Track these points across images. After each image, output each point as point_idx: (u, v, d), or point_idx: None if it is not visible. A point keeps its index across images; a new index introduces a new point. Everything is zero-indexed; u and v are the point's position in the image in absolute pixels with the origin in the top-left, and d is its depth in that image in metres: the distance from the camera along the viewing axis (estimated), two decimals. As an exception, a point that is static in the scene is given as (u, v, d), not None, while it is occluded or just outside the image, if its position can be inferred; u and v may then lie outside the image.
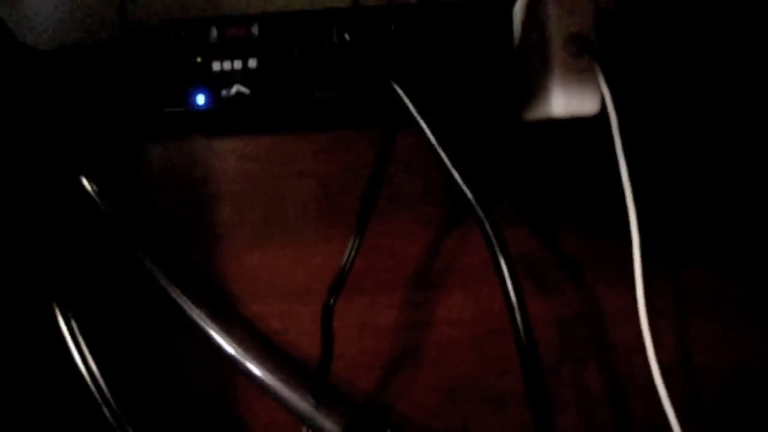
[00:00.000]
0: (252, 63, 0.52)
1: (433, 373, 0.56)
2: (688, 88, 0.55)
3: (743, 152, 0.55)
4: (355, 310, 0.55)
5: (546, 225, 0.56)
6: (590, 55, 0.46)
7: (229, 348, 0.53)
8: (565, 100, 0.47)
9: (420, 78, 0.51)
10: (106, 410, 0.52)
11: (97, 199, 0.53)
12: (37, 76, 0.55)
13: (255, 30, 0.52)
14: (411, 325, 0.56)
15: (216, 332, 0.53)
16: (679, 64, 0.55)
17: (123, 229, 0.54)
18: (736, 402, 0.55)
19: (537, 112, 0.50)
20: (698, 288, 0.55)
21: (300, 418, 0.53)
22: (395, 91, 0.48)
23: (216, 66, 0.52)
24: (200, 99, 0.52)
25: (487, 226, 0.45)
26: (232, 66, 0.52)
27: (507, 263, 0.45)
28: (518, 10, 0.52)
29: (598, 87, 0.46)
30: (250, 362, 0.53)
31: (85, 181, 0.53)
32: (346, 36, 0.51)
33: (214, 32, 0.53)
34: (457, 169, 0.46)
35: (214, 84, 0.52)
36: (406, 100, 0.47)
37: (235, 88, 0.52)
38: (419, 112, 0.47)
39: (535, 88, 0.50)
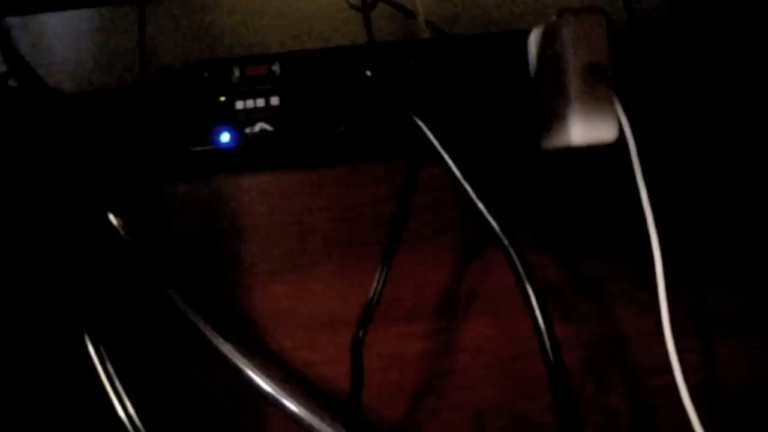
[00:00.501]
0: (274, 101, 0.53)
1: (460, 399, 0.56)
2: (705, 111, 0.56)
3: (762, 171, 0.56)
4: (381, 339, 0.55)
5: (568, 251, 0.56)
6: (607, 84, 0.47)
7: (260, 381, 0.53)
8: (584, 129, 0.48)
9: (440, 111, 0.52)
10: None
11: (125, 235, 0.54)
12: (65, 119, 0.56)
13: (276, 68, 0.54)
14: (437, 353, 0.56)
15: (246, 366, 0.54)
16: (695, 89, 0.56)
17: (150, 264, 0.55)
18: (765, 421, 0.55)
19: (555, 141, 0.51)
20: (722, 308, 0.55)
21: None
22: (417, 124, 0.49)
23: (239, 105, 0.53)
24: (225, 137, 0.53)
25: (513, 254, 0.46)
26: (255, 104, 0.53)
27: (534, 290, 0.45)
28: (533, 41, 0.53)
29: (616, 114, 0.47)
30: (281, 395, 0.53)
31: (112, 218, 0.55)
32: (367, 72, 0.53)
33: (237, 72, 0.54)
34: (481, 201, 0.47)
35: (238, 122, 0.53)
36: (429, 134, 0.48)
37: (258, 126, 0.53)
38: (441, 145, 0.48)
39: (553, 118, 0.50)
